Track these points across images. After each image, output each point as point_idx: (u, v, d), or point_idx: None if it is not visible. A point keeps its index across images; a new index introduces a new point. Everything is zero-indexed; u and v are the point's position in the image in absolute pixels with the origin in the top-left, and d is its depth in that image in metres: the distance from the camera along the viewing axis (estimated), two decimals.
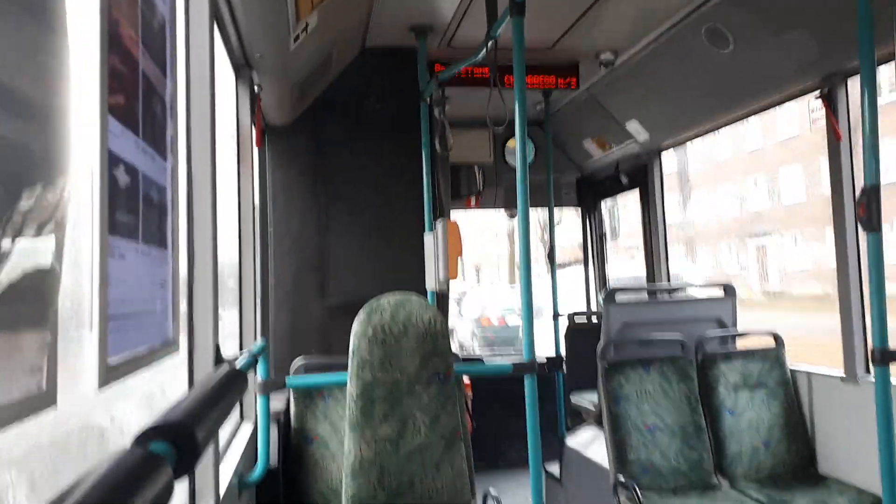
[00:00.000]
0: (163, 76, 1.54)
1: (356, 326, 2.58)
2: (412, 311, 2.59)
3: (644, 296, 4.62)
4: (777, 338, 3.72)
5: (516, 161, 2.81)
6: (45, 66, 0.94)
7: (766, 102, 3.83)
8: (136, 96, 1.31)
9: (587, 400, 4.99)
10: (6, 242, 0.82)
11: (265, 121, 3.96)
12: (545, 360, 5.02)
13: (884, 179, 2.43)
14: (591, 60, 4.45)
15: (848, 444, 3.32)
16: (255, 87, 3.15)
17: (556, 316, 5.28)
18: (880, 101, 2.51)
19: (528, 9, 2.79)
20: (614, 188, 5.75)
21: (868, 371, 3.19)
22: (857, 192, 2.48)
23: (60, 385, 0.93)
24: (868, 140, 2.40)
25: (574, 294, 6.43)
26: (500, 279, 32.33)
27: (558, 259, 5.31)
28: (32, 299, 0.89)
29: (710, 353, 3.67)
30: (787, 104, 3.83)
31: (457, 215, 4.54)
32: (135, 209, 1.28)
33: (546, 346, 5.32)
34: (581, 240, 6.35)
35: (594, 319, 5.58)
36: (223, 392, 1.32)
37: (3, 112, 0.81)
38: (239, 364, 2.22)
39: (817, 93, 3.36)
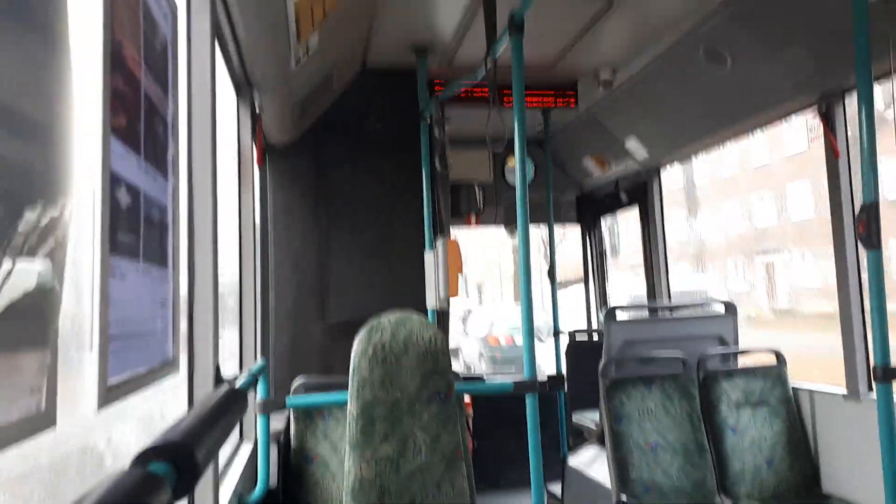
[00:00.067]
0: (164, 96, 1.55)
1: (356, 345, 2.57)
2: (413, 329, 2.59)
3: (645, 313, 4.61)
4: (779, 355, 3.71)
5: (516, 179, 2.82)
6: (48, 86, 0.94)
7: (765, 120, 3.85)
8: (138, 116, 1.32)
9: (589, 419, 4.96)
10: (7, 262, 0.82)
11: (266, 140, 3.98)
12: (546, 379, 5.00)
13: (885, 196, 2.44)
14: (589, 79, 4.48)
15: (851, 462, 3.30)
16: (257, 107, 3.17)
17: (556, 334, 5.27)
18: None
19: (527, 29, 2.82)
20: (614, 206, 5.76)
21: (870, 389, 3.17)
22: (857, 210, 2.48)
23: (60, 406, 0.93)
24: (866, 157, 2.41)
25: (578, 312, 6.41)
26: (502, 297, 32.25)
27: (562, 277, 5.31)
28: (33, 319, 0.89)
29: (712, 370, 3.66)
30: (793, 119, 3.84)
31: (457, 233, 4.55)
32: (136, 229, 1.29)
33: (549, 365, 5.31)
34: (581, 258, 6.35)
35: (595, 337, 5.57)
36: (223, 412, 1.32)
37: (6, 132, 0.82)
38: (239, 384, 2.21)
39: (815, 110, 3.38)
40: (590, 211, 6.14)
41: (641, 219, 5.35)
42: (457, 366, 14.92)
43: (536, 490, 2.76)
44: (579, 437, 4.85)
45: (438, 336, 2.62)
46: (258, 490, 2.80)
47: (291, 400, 3.02)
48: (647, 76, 4.23)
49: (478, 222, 5.72)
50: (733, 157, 29.01)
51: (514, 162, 2.84)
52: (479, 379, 5.49)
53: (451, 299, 3.86)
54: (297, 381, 3.19)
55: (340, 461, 2.96)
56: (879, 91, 2.68)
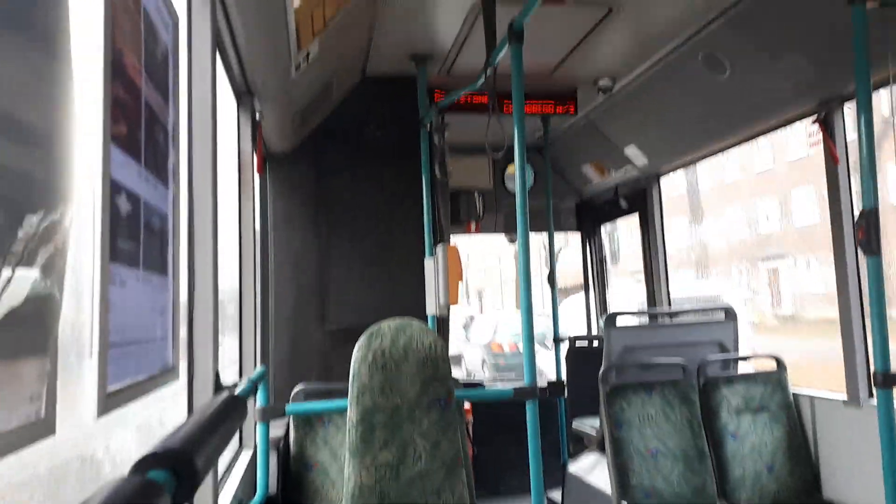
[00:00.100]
0: (165, 104, 1.55)
1: (356, 352, 2.57)
2: (413, 336, 2.59)
3: (645, 319, 4.61)
4: (779, 361, 3.71)
5: (516, 187, 2.82)
6: (49, 94, 0.95)
7: (764, 127, 3.86)
8: (138, 124, 1.32)
9: (589, 425, 4.95)
10: (7, 269, 0.82)
11: (266, 148, 3.99)
12: (546, 385, 5.00)
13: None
14: (589, 87, 4.49)
15: (852, 468, 3.30)
16: (257, 115, 3.18)
17: (557, 340, 5.26)
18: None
19: (526, 37, 2.83)
20: (614, 213, 5.77)
21: (871, 395, 3.17)
22: (857, 216, 2.49)
23: (59, 413, 0.93)
24: (865, 164, 2.41)
25: (581, 320, 6.41)
26: (503, 304, 32.18)
27: (565, 284, 5.31)
28: (33, 326, 0.89)
29: (712, 376, 3.66)
30: (795, 125, 3.84)
31: (457, 240, 4.55)
32: (136, 237, 1.29)
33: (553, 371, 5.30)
34: (581, 264, 6.36)
35: (595, 343, 5.57)
36: (223, 419, 1.32)
37: (7, 140, 0.82)
38: (238, 391, 2.21)
39: (814, 117, 3.39)
40: (589, 218, 6.15)
41: (641, 226, 5.36)
42: (459, 373, 14.89)
43: (536, 497, 2.75)
44: (579, 444, 4.84)
45: (438, 342, 2.62)
46: (258, 497, 2.80)
47: (291, 408, 3.02)
48: (647, 83, 4.24)
49: (478, 229, 5.72)
50: (736, 161, 28.97)
51: (514, 169, 2.84)
52: (480, 385, 5.49)
53: (452, 307, 3.86)
54: (297, 388, 3.19)
55: (340, 468, 2.96)
56: (886, 97, 2.69)
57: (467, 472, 2.73)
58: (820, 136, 3.36)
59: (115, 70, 1.18)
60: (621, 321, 3.88)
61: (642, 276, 5.38)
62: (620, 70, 4.28)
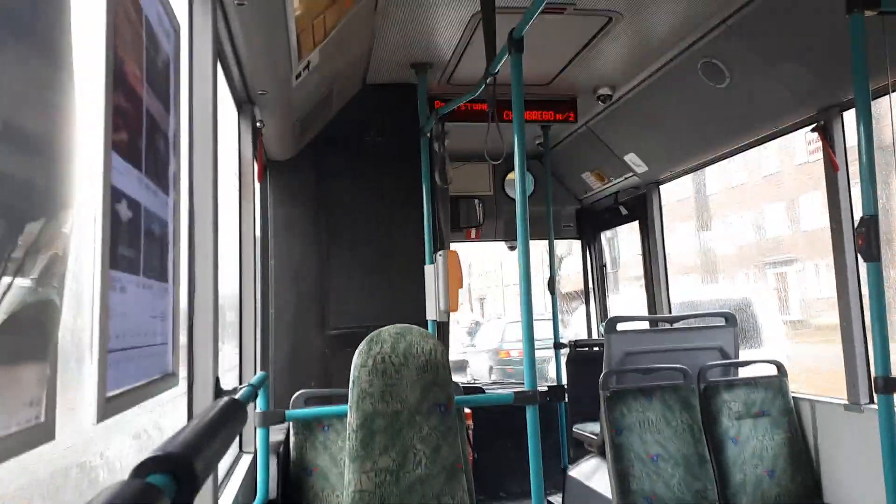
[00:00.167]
0: (166, 112, 1.57)
1: (357, 358, 2.58)
2: (413, 341, 2.59)
3: (646, 325, 4.62)
4: (779, 366, 3.71)
5: (516, 193, 2.83)
6: (50, 102, 0.96)
7: (763, 135, 3.87)
8: (139, 133, 1.33)
9: (589, 430, 4.95)
10: (7, 275, 0.83)
11: (267, 156, 4.00)
12: (547, 390, 5.00)
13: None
14: (588, 95, 4.51)
15: (853, 472, 3.29)
16: (258, 123, 3.19)
17: (557, 345, 5.27)
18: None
19: (526, 46, 2.84)
20: (613, 220, 5.78)
21: (871, 399, 3.17)
22: (856, 222, 2.50)
23: (59, 418, 0.93)
24: (865, 171, 2.42)
25: (584, 327, 6.42)
26: (504, 311, 32.09)
27: (569, 290, 5.32)
28: (33, 332, 0.90)
29: (713, 381, 3.66)
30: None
31: (457, 247, 4.56)
32: (136, 243, 1.30)
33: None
34: (582, 271, 6.37)
35: (596, 349, 5.57)
36: (223, 424, 1.32)
37: (9, 147, 0.83)
38: (239, 396, 2.21)
39: (814, 125, 3.40)
40: (589, 225, 6.16)
41: (641, 232, 5.37)
42: (464, 378, 14.85)
43: (537, 501, 2.75)
44: (580, 449, 4.83)
45: (438, 348, 2.63)
46: (257, 502, 2.80)
47: (291, 413, 3.02)
48: (646, 91, 4.25)
49: (478, 236, 5.74)
50: (740, 165, 28.86)
51: (514, 176, 2.85)
52: (480, 390, 5.49)
53: (455, 314, 3.86)
54: (297, 394, 3.20)
55: (340, 473, 2.96)
56: (885, 104, 2.70)
57: (467, 476, 2.73)
58: (819, 143, 3.37)
59: (117, 78, 1.19)
60: (621, 326, 3.89)
61: (642, 282, 5.40)
62: (620, 78, 4.29)
